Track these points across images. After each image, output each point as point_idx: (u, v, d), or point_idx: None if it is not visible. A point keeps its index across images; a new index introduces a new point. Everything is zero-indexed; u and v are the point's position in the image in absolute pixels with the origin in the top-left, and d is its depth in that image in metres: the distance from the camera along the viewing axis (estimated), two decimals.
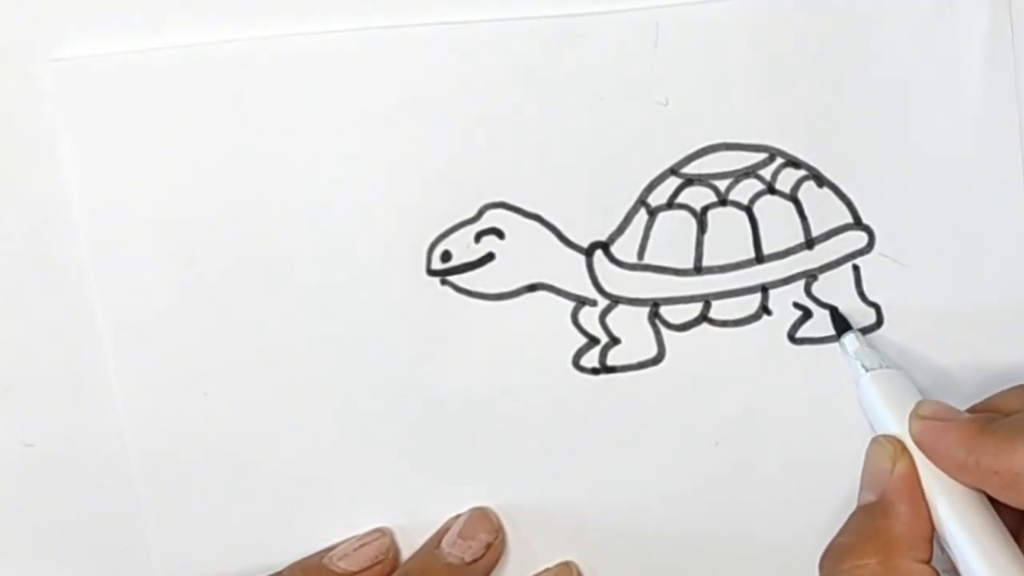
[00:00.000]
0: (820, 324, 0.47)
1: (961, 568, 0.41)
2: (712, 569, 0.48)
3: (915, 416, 0.43)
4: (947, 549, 0.42)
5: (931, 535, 0.42)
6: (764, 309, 0.47)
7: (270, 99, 0.46)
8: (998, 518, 0.42)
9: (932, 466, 0.43)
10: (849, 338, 0.46)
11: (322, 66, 0.46)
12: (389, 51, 0.46)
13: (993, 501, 0.42)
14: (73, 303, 0.47)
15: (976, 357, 0.47)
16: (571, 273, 0.47)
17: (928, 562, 0.41)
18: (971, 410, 0.44)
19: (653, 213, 0.47)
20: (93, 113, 0.46)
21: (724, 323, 0.47)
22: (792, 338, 0.47)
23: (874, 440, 0.44)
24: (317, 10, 0.46)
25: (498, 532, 0.48)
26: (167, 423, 0.48)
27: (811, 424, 0.47)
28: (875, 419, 0.45)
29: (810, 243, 0.47)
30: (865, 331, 0.47)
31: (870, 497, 0.43)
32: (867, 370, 0.45)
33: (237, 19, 0.46)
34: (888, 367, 0.45)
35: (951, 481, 0.42)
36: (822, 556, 0.43)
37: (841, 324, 0.47)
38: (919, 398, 0.44)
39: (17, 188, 0.46)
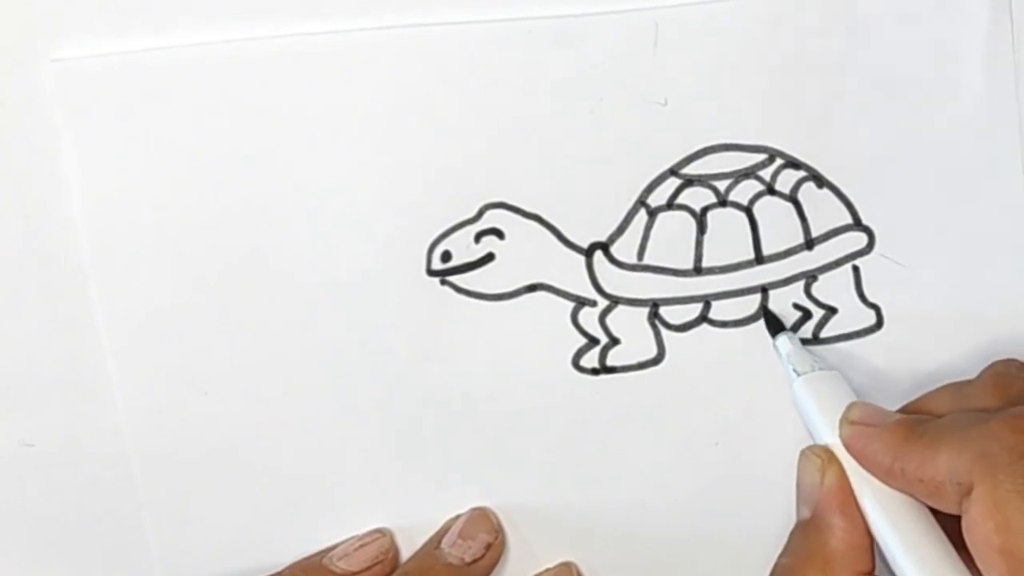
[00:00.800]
0: (819, 325, 0.47)
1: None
2: (712, 569, 0.48)
3: (844, 420, 0.43)
4: (884, 556, 0.41)
5: (871, 544, 0.41)
6: (764, 310, 0.47)
7: (270, 99, 0.46)
8: (934, 521, 0.41)
9: (862, 472, 0.42)
10: (782, 340, 0.46)
11: (322, 66, 0.46)
12: (389, 51, 0.46)
13: None
14: (73, 303, 0.47)
15: (975, 358, 0.47)
16: (571, 273, 0.47)
17: (871, 573, 0.41)
18: (902, 410, 0.44)
19: (653, 214, 0.47)
20: (93, 113, 0.46)
21: (724, 324, 0.47)
22: None
23: (802, 453, 0.44)
24: (317, 10, 0.46)
25: (498, 532, 0.48)
26: (167, 423, 0.48)
27: None
28: (809, 425, 0.44)
29: (810, 244, 0.47)
30: (865, 332, 0.47)
31: (805, 513, 0.43)
32: (799, 374, 0.45)
33: (237, 19, 0.46)
34: (822, 369, 0.45)
35: (884, 487, 0.41)
36: None
37: (775, 325, 0.46)
38: (852, 399, 0.44)
39: (17, 188, 0.46)
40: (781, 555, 0.43)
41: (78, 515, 0.48)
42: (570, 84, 0.46)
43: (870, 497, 0.42)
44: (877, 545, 0.42)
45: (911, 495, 0.41)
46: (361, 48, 0.46)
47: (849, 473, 0.42)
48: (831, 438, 0.43)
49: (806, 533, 0.43)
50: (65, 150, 0.46)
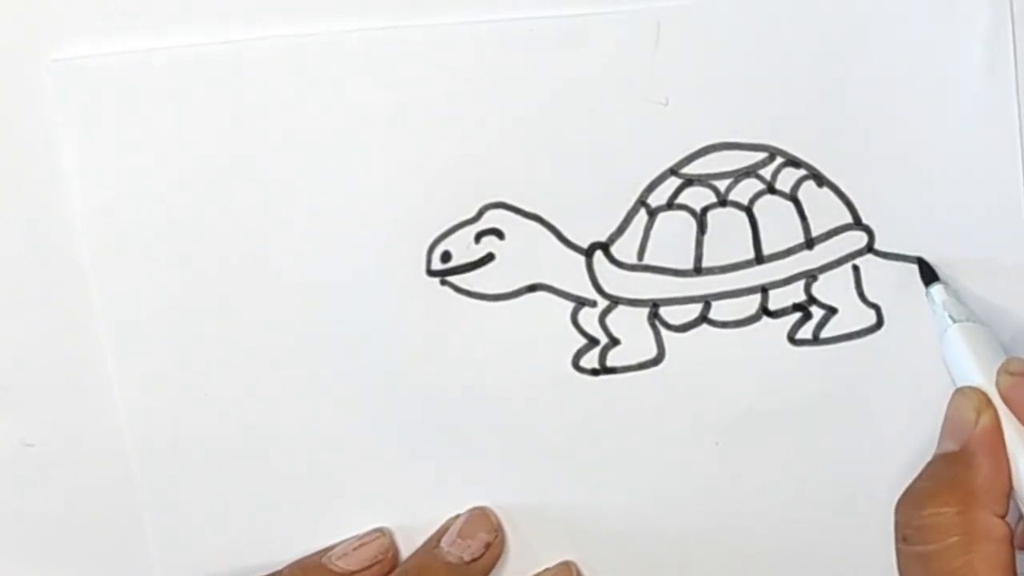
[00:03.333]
0: (819, 325, 0.47)
1: None
2: (712, 569, 0.48)
3: (1004, 371, 0.43)
4: (1022, 509, 0.42)
5: (1009, 490, 0.42)
6: (764, 310, 0.47)
7: (269, 99, 0.46)
8: None
9: (1015, 422, 0.43)
10: (936, 288, 0.46)
11: (322, 66, 0.46)
12: (389, 51, 0.46)
13: None
14: (73, 303, 0.47)
15: None
16: (571, 274, 0.47)
17: (1004, 517, 0.41)
18: None
19: (653, 213, 0.47)
20: (93, 113, 0.46)
21: (724, 324, 0.47)
22: (792, 339, 0.47)
23: (958, 390, 0.44)
24: (317, 10, 0.46)
25: (497, 532, 0.48)
26: (167, 423, 0.48)
27: (811, 425, 0.47)
28: (959, 370, 0.45)
29: (810, 243, 0.47)
30: (865, 332, 0.47)
31: (951, 446, 0.43)
32: (954, 321, 0.45)
33: (237, 19, 0.46)
34: (975, 321, 0.45)
35: None
36: (900, 499, 0.43)
37: (929, 274, 0.46)
38: (1003, 354, 0.44)
39: (17, 188, 0.46)
40: (919, 479, 0.43)
41: (78, 515, 0.48)
42: (570, 84, 0.46)
43: (1021, 447, 0.42)
44: (1015, 497, 0.42)
45: None
46: (361, 48, 0.46)
47: (1001, 420, 0.43)
48: (986, 385, 0.44)
49: (951, 464, 0.43)
50: (65, 150, 0.46)
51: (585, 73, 0.46)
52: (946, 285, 0.46)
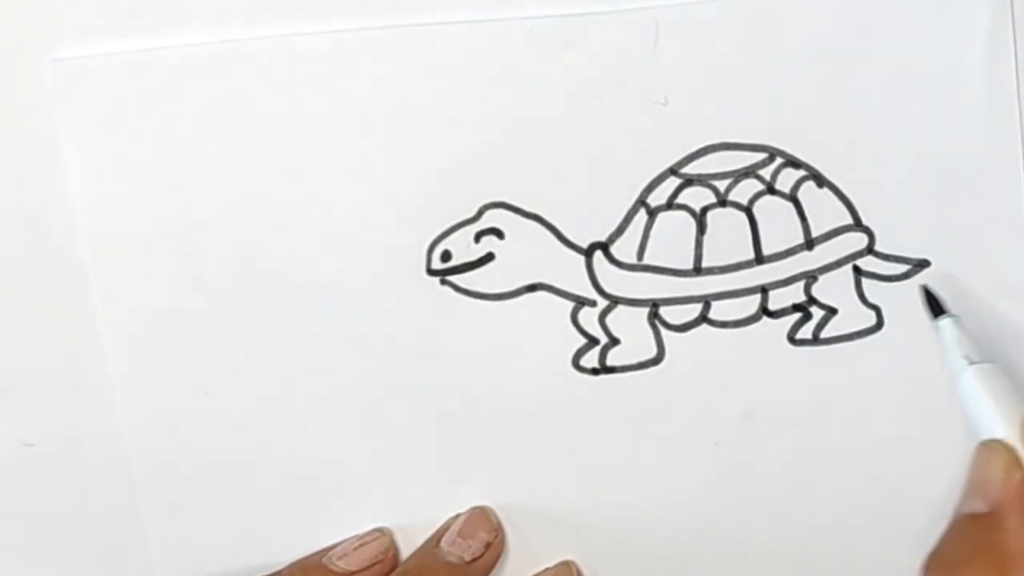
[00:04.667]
0: (819, 325, 0.47)
1: None
2: (712, 569, 0.48)
3: None
4: None
5: None
6: (764, 310, 0.47)
7: (270, 99, 0.46)
8: None
9: None
10: (946, 323, 0.44)
11: (322, 66, 0.46)
12: (389, 51, 0.46)
13: None
14: (73, 303, 0.47)
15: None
16: (571, 273, 0.47)
17: None
18: None
19: (653, 213, 0.47)
20: (93, 113, 0.46)
21: (724, 324, 0.47)
22: (792, 339, 0.47)
23: (983, 445, 0.43)
24: (317, 10, 0.46)
25: (497, 531, 0.48)
26: (167, 423, 0.48)
27: (811, 425, 0.47)
28: (980, 419, 0.43)
29: (810, 244, 0.47)
30: (865, 333, 0.47)
31: (979, 506, 0.42)
32: (971, 363, 0.43)
33: (237, 19, 0.46)
34: (989, 361, 0.44)
35: None
36: (929, 562, 0.42)
37: (936, 306, 0.45)
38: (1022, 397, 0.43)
39: (17, 188, 0.46)
40: (947, 541, 0.42)
41: (78, 515, 0.48)
42: (570, 83, 0.46)
43: None
44: None
45: None
46: (361, 48, 0.46)
47: None
48: (1010, 437, 0.42)
49: (982, 528, 0.42)
50: (65, 150, 0.46)
51: (585, 73, 0.46)
52: (956, 318, 0.45)
